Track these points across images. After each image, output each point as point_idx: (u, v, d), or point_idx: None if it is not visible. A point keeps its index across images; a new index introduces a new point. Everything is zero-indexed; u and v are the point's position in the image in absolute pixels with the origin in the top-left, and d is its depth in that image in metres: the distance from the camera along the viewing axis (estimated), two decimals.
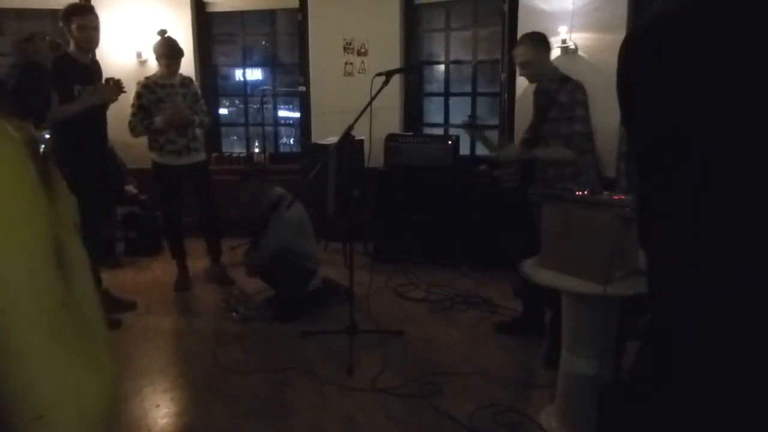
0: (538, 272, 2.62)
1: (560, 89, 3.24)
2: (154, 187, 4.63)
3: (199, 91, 4.66)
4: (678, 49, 0.91)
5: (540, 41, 3.34)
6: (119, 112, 4.46)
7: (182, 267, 4.70)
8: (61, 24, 3.84)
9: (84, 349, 0.61)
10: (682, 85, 0.91)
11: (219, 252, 4.81)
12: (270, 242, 4.19)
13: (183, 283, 4.68)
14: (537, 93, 3.42)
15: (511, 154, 3.43)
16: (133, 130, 4.36)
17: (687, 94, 0.90)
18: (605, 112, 4.68)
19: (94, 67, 3.99)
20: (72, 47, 3.86)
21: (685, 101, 0.90)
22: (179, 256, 4.68)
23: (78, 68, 3.81)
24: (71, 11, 3.85)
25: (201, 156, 4.58)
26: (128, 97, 4.24)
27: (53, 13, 4.59)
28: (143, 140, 4.49)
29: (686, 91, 0.90)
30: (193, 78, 4.95)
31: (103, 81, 3.92)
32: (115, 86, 3.85)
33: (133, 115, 4.34)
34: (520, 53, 3.35)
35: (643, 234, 1.04)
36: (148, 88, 4.36)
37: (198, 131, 4.56)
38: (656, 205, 0.99)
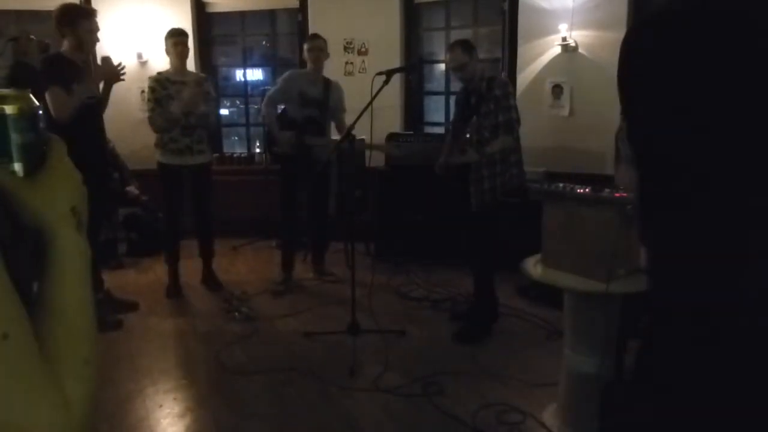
0: (539, 270, 2.61)
1: (491, 86, 3.56)
2: (156, 187, 4.61)
3: (212, 92, 4.54)
4: (678, 42, 0.90)
5: (469, 47, 3.67)
6: (121, 114, 4.47)
7: (173, 273, 4.59)
8: (61, 25, 3.75)
9: (35, 382, 0.53)
10: (682, 79, 0.90)
11: (211, 255, 4.72)
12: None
13: (174, 290, 4.58)
14: (469, 92, 3.72)
15: (473, 158, 3.64)
16: (153, 123, 4.30)
17: (687, 88, 0.90)
18: (605, 110, 4.69)
19: (87, 68, 3.97)
20: (66, 47, 3.78)
21: (684, 95, 0.90)
22: (172, 261, 4.58)
23: (74, 68, 3.77)
24: (80, 14, 3.81)
25: (204, 158, 4.49)
26: (130, 98, 4.23)
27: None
28: (146, 141, 4.45)
29: (686, 84, 0.90)
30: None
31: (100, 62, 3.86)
32: (113, 65, 3.76)
33: (152, 110, 4.29)
34: (454, 59, 3.63)
35: (643, 231, 1.03)
36: (160, 82, 4.32)
37: (204, 133, 4.46)
38: (656, 201, 0.99)
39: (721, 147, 0.87)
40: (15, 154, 0.60)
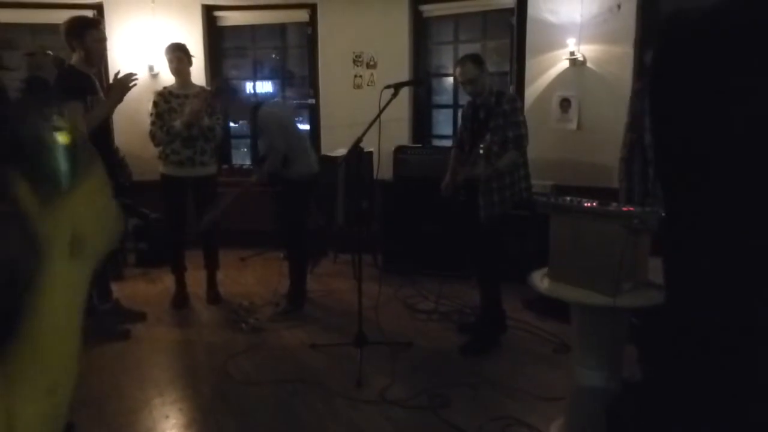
0: (546, 283, 2.61)
1: (500, 100, 3.62)
2: (160, 198, 4.57)
3: (217, 105, 4.51)
4: (720, 47, 0.87)
5: (481, 61, 3.71)
6: (131, 126, 4.49)
7: (180, 283, 4.61)
8: (69, 38, 3.78)
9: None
10: (723, 85, 0.87)
11: (215, 267, 4.72)
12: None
13: (180, 300, 4.59)
14: (477, 106, 3.76)
15: (485, 171, 3.65)
16: (154, 138, 4.33)
17: (725, 96, 0.87)
18: (612, 123, 4.69)
19: (99, 80, 3.99)
20: (77, 59, 3.81)
21: (722, 103, 0.87)
22: (177, 271, 4.60)
23: (86, 80, 3.82)
24: (87, 24, 3.85)
25: (208, 170, 4.47)
26: (140, 110, 4.27)
27: None
28: (153, 152, 4.48)
29: (726, 92, 0.87)
30: None
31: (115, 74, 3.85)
32: (126, 76, 3.76)
33: (153, 123, 4.33)
34: (466, 71, 3.65)
35: (663, 243, 1.02)
36: (163, 96, 4.37)
37: (208, 145, 4.45)
38: (678, 211, 0.97)
39: (741, 156, 0.85)
40: (62, 180, 0.63)
